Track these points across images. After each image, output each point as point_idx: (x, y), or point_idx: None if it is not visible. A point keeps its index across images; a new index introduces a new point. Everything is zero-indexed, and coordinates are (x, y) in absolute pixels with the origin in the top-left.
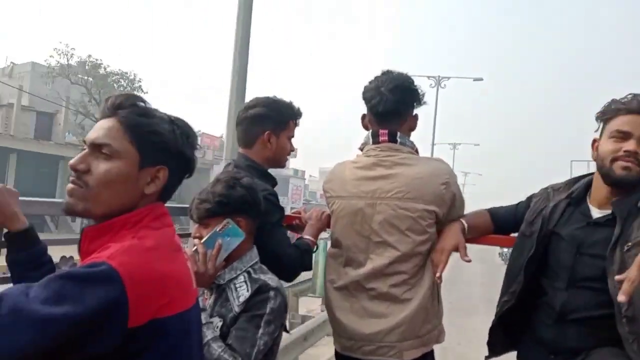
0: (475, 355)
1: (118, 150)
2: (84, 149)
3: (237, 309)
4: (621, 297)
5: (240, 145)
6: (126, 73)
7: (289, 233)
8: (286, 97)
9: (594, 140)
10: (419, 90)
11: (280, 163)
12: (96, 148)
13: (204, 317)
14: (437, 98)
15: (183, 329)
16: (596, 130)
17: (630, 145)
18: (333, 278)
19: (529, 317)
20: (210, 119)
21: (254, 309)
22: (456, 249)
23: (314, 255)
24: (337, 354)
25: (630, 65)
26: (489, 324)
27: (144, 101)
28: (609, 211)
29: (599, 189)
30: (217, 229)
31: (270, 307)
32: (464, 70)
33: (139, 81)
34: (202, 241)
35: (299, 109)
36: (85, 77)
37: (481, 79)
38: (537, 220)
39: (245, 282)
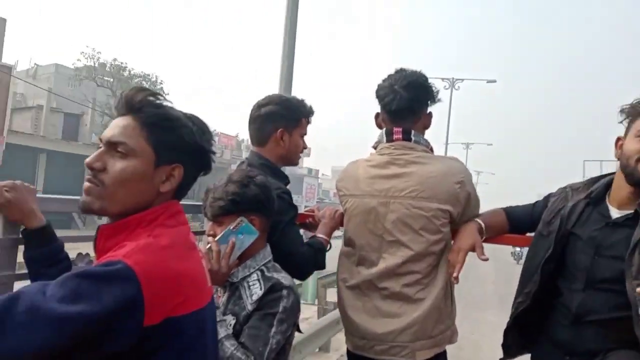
0: (488, 343)
1: (134, 149)
2: (100, 147)
3: (250, 307)
4: None
5: (253, 144)
6: (148, 75)
7: (302, 231)
8: (299, 95)
9: (618, 139)
10: (433, 88)
11: (293, 161)
12: (112, 146)
13: (217, 315)
14: (451, 100)
15: (198, 328)
16: (621, 120)
17: None
18: (345, 277)
19: (544, 318)
20: (209, 119)
21: (266, 307)
22: (473, 249)
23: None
24: (349, 352)
25: None
26: (500, 317)
27: (159, 97)
28: (628, 211)
29: (621, 188)
30: (231, 227)
31: (283, 306)
32: (475, 71)
33: (161, 83)
34: (216, 239)
35: (311, 106)
36: (111, 80)
37: (494, 81)
38: (555, 220)
39: (259, 280)
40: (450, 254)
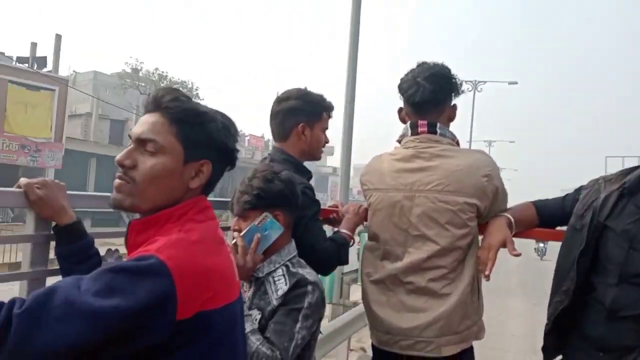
0: (512, 323)
1: (163, 146)
2: (130, 144)
3: (275, 302)
4: None
5: (275, 139)
6: (185, 82)
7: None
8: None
9: None
10: (457, 79)
11: (316, 155)
12: (141, 143)
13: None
14: (474, 101)
15: (227, 322)
16: None
17: None
18: (369, 271)
19: (578, 315)
20: None
21: (291, 302)
22: (504, 245)
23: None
24: (374, 347)
25: None
26: (523, 303)
27: (186, 95)
28: None
29: None
30: (256, 223)
31: (308, 302)
32: (495, 70)
33: (197, 89)
34: (241, 234)
35: (331, 102)
36: (153, 87)
37: (516, 83)
38: (588, 213)
39: (284, 275)
40: (481, 251)
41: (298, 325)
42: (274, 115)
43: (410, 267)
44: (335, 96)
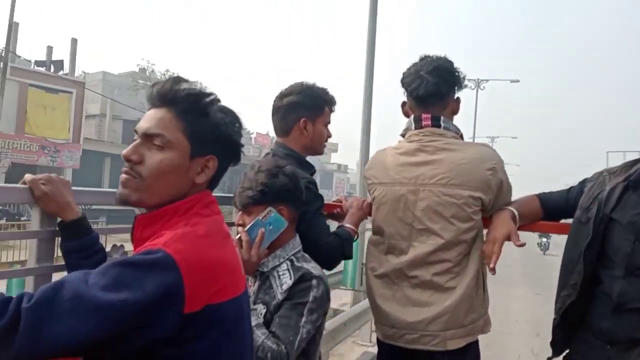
0: (516, 310)
1: (171, 141)
2: (135, 139)
3: (280, 297)
4: None
5: (277, 134)
6: (195, 82)
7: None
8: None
9: None
10: (460, 73)
11: (318, 150)
12: (148, 138)
13: None
14: (477, 99)
15: (235, 315)
16: None
17: None
18: (374, 266)
19: (586, 308)
20: None
21: (296, 297)
22: (508, 238)
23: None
24: (379, 342)
25: None
26: (525, 291)
27: (192, 89)
28: None
29: None
30: (260, 217)
31: (313, 296)
32: (496, 67)
33: (215, 97)
34: (245, 229)
35: (333, 96)
36: None
37: (517, 81)
38: (593, 205)
39: (288, 270)
40: (486, 244)
41: (303, 319)
42: (276, 111)
43: (415, 261)
44: (336, 96)
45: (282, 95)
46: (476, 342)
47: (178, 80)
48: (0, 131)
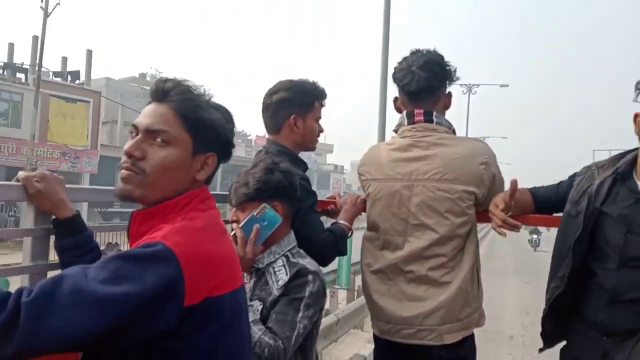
0: (508, 296)
1: (175, 137)
2: (133, 134)
3: (276, 293)
4: None
5: (268, 132)
6: (210, 96)
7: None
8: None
9: (636, 115)
10: (450, 67)
11: (310, 146)
12: (151, 134)
13: None
14: (468, 103)
15: (234, 308)
16: (634, 96)
17: None
18: (369, 262)
19: (579, 301)
20: None
21: (293, 292)
22: (508, 204)
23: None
24: (375, 337)
25: None
26: (517, 282)
27: (193, 86)
28: None
29: None
30: (255, 214)
31: (309, 291)
32: (484, 68)
33: (212, 96)
34: (240, 225)
35: (323, 89)
36: None
37: (507, 85)
38: (583, 199)
39: (284, 266)
40: (490, 208)
41: (300, 314)
42: (266, 108)
43: (411, 256)
44: (335, 95)
45: (270, 93)
46: (472, 336)
47: (179, 79)
48: (26, 139)
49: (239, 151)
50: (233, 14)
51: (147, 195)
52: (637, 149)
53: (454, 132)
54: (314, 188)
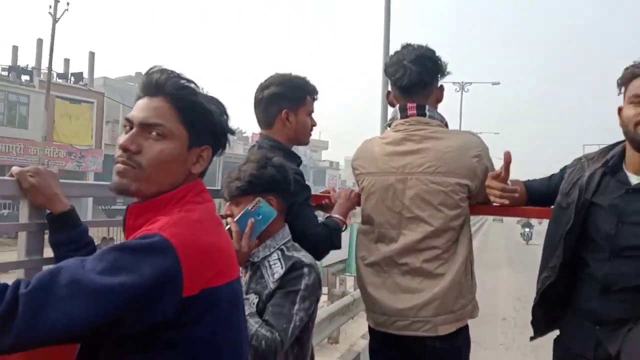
0: (501, 284)
1: (171, 131)
2: (127, 127)
3: (272, 286)
4: None
5: (260, 127)
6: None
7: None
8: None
9: (619, 109)
10: (442, 61)
11: (303, 140)
12: (146, 128)
13: None
14: (461, 100)
15: (231, 299)
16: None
17: None
18: (364, 255)
19: (571, 291)
20: None
21: (288, 285)
22: (500, 180)
23: (348, 235)
24: (370, 329)
25: None
26: (509, 272)
27: (187, 79)
28: None
29: (632, 155)
30: (249, 208)
31: (305, 283)
32: (474, 64)
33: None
34: (235, 220)
35: (314, 84)
36: None
37: (498, 83)
38: (573, 191)
39: (279, 259)
40: (487, 183)
41: (296, 307)
42: (258, 103)
43: (405, 249)
44: (335, 95)
45: (262, 87)
46: (466, 327)
47: (170, 70)
48: (33, 139)
49: (236, 149)
50: (233, 14)
51: (144, 189)
52: (624, 141)
53: (446, 125)
54: (310, 184)
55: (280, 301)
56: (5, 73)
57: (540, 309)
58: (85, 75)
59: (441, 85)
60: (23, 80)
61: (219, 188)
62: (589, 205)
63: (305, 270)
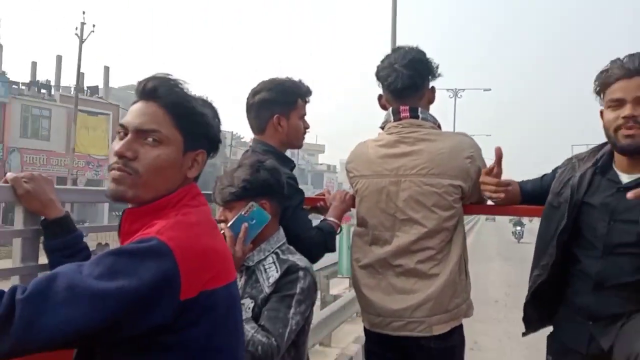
0: (493, 276)
1: (167, 136)
2: (121, 134)
3: (267, 290)
4: None
5: (253, 132)
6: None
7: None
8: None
9: (601, 112)
10: (433, 62)
11: (296, 144)
12: (142, 134)
13: None
14: (455, 106)
15: (229, 302)
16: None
17: (626, 110)
18: (358, 257)
19: (564, 288)
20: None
21: (284, 289)
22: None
23: (337, 237)
24: (366, 330)
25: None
26: (501, 265)
27: (180, 83)
28: (638, 175)
29: (619, 156)
30: (243, 213)
31: (300, 287)
32: (473, 79)
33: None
34: (228, 225)
35: (308, 87)
36: None
37: (489, 89)
38: (565, 190)
39: (274, 263)
40: (481, 179)
41: (292, 311)
42: (249, 109)
43: (399, 250)
44: (335, 95)
45: (253, 93)
46: (461, 326)
47: (165, 75)
48: (54, 150)
49: (239, 154)
50: (233, 14)
51: (141, 195)
52: None
53: (439, 127)
54: (309, 187)
55: (276, 305)
56: (24, 88)
57: (531, 306)
58: (102, 88)
59: (432, 87)
60: (41, 93)
61: (209, 192)
62: (581, 205)
63: (301, 273)
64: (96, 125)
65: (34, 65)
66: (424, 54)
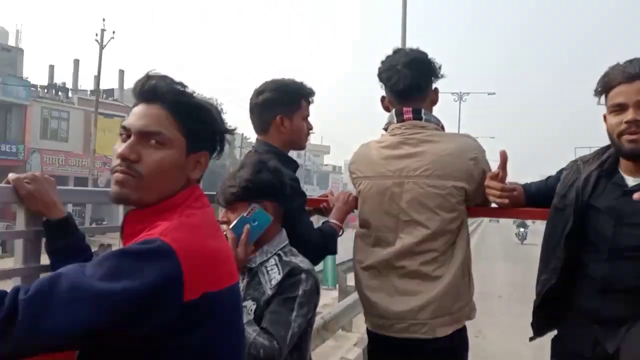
0: (499, 273)
1: (170, 139)
2: (124, 136)
3: (269, 292)
4: None
5: (256, 132)
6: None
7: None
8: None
9: (604, 116)
10: (435, 63)
11: (299, 145)
12: (145, 136)
13: None
14: (459, 110)
15: (232, 303)
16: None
17: (629, 115)
18: (361, 258)
19: (570, 291)
20: None
21: (286, 291)
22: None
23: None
24: (369, 332)
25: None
26: (506, 265)
27: (182, 84)
28: None
29: (624, 159)
30: (245, 214)
31: (303, 289)
32: (478, 83)
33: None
34: (230, 227)
35: (311, 88)
36: None
37: (494, 93)
38: (570, 192)
39: (277, 265)
40: (486, 183)
41: (294, 313)
42: (252, 109)
43: (402, 252)
44: (335, 94)
45: (257, 93)
46: (464, 329)
47: (165, 76)
48: (71, 151)
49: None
50: (233, 14)
51: (144, 197)
52: None
53: (442, 128)
54: (315, 188)
55: (278, 308)
56: (40, 90)
57: (541, 311)
58: (110, 89)
59: (436, 88)
60: (58, 96)
61: (214, 193)
62: (587, 208)
63: (303, 276)
64: (112, 127)
65: (51, 68)
66: (425, 54)
